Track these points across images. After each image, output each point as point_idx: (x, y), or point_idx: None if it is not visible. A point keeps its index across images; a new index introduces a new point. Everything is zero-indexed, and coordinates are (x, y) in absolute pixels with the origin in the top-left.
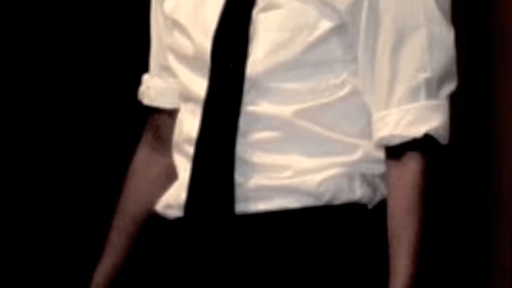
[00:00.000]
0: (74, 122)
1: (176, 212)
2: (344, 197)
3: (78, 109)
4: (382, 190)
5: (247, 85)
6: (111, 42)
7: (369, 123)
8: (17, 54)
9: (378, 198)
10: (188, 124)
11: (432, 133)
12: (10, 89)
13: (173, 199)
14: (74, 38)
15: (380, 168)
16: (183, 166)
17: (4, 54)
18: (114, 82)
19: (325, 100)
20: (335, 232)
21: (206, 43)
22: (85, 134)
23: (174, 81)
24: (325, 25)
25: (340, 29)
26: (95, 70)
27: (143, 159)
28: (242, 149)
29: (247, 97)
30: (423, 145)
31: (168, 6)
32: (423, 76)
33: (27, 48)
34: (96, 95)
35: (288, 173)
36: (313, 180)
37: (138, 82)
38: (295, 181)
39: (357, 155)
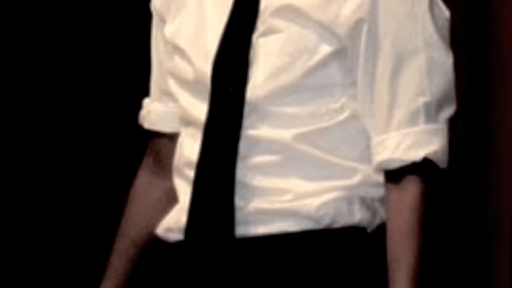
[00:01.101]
0: (74, 123)
1: (176, 236)
2: (343, 221)
3: (78, 113)
4: (382, 214)
5: (247, 109)
6: (113, 66)
7: (368, 147)
8: (17, 59)
9: (377, 221)
10: (189, 148)
11: (431, 157)
12: (10, 91)
13: (173, 223)
14: (78, 63)
15: (380, 192)
16: (184, 190)
17: (4, 54)
18: (115, 103)
19: (324, 124)
20: (335, 256)
21: (206, 68)
22: (85, 137)
23: (174, 105)
24: (325, 49)
25: (339, 54)
26: (96, 93)
27: (144, 182)
28: (242, 172)
29: (247, 121)
30: (422, 169)
31: (168, 31)
32: (422, 100)
33: (30, 56)
34: (98, 117)
35: (288, 196)
36: (312, 203)
37: (138, 104)
38: (295, 204)
39: (357, 179)
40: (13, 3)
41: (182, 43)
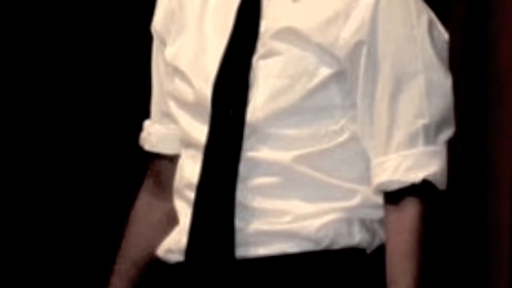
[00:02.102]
0: (74, 126)
1: (177, 257)
2: (343, 242)
3: (79, 115)
4: (381, 235)
5: (247, 131)
6: (113, 89)
7: (368, 168)
8: (17, 65)
9: (376, 243)
10: (189, 170)
11: (430, 178)
12: (10, 93)
13: (174, 244)
14: (80, 78)
15: (379, 213)
16: (184, 211)
17: (4, 55)
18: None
19: (324, 146)
20: (334, 277)
21: (206, 90)
22: (85, 139)
23: (175, 127)
24: (325, 71)
25: (339, 76)
26: (96, 117)
27: (145, 204)
28: (242, 194)
29: (247, 143)
30: (421, 190)
31: (169, 53)
32: (421, 122)
33: (33, 61)
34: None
35: (287, 218)
36: (312, 225)
37: (138, 114)
38: (295, 226)
39: (356, 200)
40: (13, 3)
41: (183, 65)
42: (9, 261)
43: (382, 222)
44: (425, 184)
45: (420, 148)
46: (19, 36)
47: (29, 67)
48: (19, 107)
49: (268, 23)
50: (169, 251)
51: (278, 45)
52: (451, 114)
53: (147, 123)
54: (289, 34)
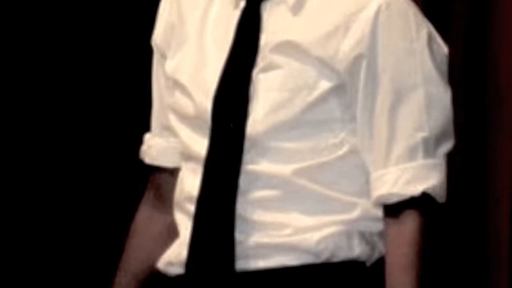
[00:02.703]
0: (75, 130)
1: (177, 269)
2: (342, 255)
3: (79, 118)
4: (380, 248)
5: (247, 144)
6: (113, 102)
7: (367, 181)
8: (19, 76)
9: (376, 255)
10: (189, 183)
11: (429, 191)
12: (10, 96)
13: (174, 257)
14: (80, 89)
15: (378, 226)
16: (184, 224)
17: (5, 56)
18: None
19: (324, 159)
20: None
21: (206, 103)
22: (86, 152)
23: (175, 140)
24: (324, 85)
25: (339, 89)
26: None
27: (145, 217)
28: (242, 207)
29: (247, 156)
30: (420, 203)
31: (169, 67)
32: (420, 135)
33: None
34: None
35: (287, 231)
36: (312, 238)
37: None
38: (295, 239)
39: (356, 213)
40: (13, 5)
41: (183, 78)
42: (9, 261)
43: (382, 235)
44: (425, 197)
45: (420, 161)
46: (22, 45)
47: (32, 72)
48: (21, 113)
49: (268, 37)
50: (170, 263)
51: (278, 58)
52: (451, 127)
53: (147, 136)
54: (289, 47)
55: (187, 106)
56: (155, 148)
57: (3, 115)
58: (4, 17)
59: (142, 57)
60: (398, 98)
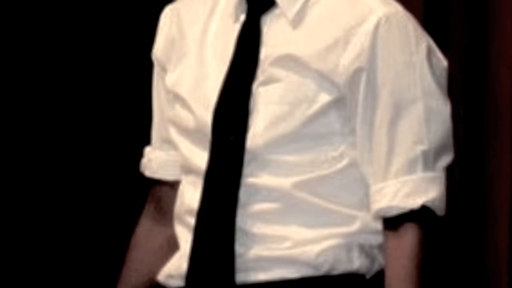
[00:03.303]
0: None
1: (177, 282)
2: (342, 268)
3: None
4: (380, 260)
5: (247, 158)
6: (113, 115)
7: (367, 194)
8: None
9: (376, 268)
10: (189, 196)
11: (429, 204)
12: (10, 98)
13: (174, 269)
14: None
15: (378, 239)
16: (184, 237)
17: (5, 57)
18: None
19: (324, 172)
20: None
21: (207, 117)
22: (86, 169)
23: (175, 153)
24: (324, 98)
25: (338, 102)
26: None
27: (145, 230)
28: (242, 220)
29: (247, 169)
30: (420, 216)
31: (169, 80)
32: (420, 148)
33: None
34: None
35: (287, 244)
36: (312, 250)
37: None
38: (294, 251)
39: (355, 226)
40: (14, 10)
41: (183, 92)
42: (9, 262)
43: (381, 247)
44: (424, 210)
45: (419, 174)
46: (26, 55)
47: (34, 80)
48: (23, 121)
49: (268, 50)
50: (170, 276)
51: (277, 72)
52: (450, 141)
53: (147, 150)
54: (289, 61)
55: (188, 119)
56: (155, 161)
57: (4, 123)
58: (7, 24)
59: (142, 70)
60: (397, 112)
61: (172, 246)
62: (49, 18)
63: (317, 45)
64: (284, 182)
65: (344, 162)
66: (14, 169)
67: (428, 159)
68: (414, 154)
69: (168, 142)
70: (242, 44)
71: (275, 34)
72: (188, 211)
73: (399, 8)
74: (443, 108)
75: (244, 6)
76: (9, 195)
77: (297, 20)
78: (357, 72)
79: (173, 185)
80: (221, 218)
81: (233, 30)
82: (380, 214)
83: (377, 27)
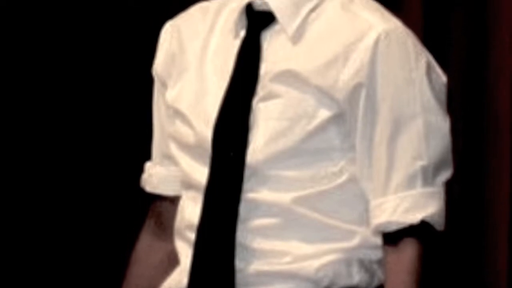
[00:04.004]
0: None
1: None
2: (342, 282)
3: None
4: (380, 275)
5: (247, 173)
6: (114, 130)
7: (366, 209)
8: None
9: (375, 283)
10: (190, 211)
11: (428, 219)
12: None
13: (175, 284)
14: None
15: (378, 254)
16: (185, 252)
17: (6, 58)
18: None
19: (323, 188)
20: None
21: (207, 132)
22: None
23: (175, 168)
24: (324, 114)
25: (338, 118)
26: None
27: (146, 245)
28: (242, 235)
29: (247, 184)
30: (419, 231)
31: (170, 96)
32: (419, 164)
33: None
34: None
35: (287, 258)
36: (311, 265)
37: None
38: (294, 266)
39: (355, 241)
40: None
41: (183, 107)
42: (9, 261)
43: (381, 262)
44: (423, 225)
45: (418, 190)
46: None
47: (37, 93)
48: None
49: (268, 66)
50: None
51: (277, 87)
52: (449, 156)
53: (148, 165)
54: (289, 76)
55: (188, 135)
56: (155, 177)
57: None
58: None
59: (143, 86)
60: (397, 127)
61: (173, 261)
62: (49, 29)
63: (317, 61)
64: (284, 197)
65: (344, 177)
66: (16, 190)
67: (428, 175)
68: (414, 169)
69: (169, 158)
70: (242, 60)
71: (275, 50)
72: (189, 226)
73: (398, 24)
74: (442, 124)
75: (244, 22)
76: (9, 213)
77: (297, 36)
78: (357, 87)
79: (174, 201)
80: (221, 233)
81: (233, 46)
82: (380, 229)
83: (376, 43)
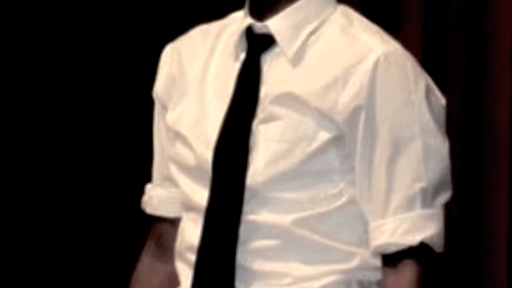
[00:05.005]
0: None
1: None
2: None
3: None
4: None
5: (247, 195)
6: (115, 153)
7: (366, 231)
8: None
9: None
10: (190, 232)
11: (427, 241)
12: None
13: None
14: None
15: (377, 275)
16: (185, 274)
17: (7, 60)
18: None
19: (323, 209)
20: None
21: (207, 154)
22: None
23: (176, 190)
24: (324, 136)
25: (337, 140)
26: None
27: (146, 266)
28: (242, 257)
29: (247, 206)
30: (418, 253)
31: (170, 118)
32: (418, 186)
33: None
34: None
35: (287, 280)
36: (311, 287)
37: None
38: None
39: (355, 262)
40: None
41: (184, 130)
42: (9, 261)
43: (380, 284)
44: (423, 246)
45: (418, 211)
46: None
47: (39, 109)
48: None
49: (268, 89)
50: None
51: (277, 110)
52: (448, 178)
53: (148, 187)
54: (289, 99)
55: (188, 157)
56: (156, 198)
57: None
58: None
59: (144, 108)
60: (396, 149)
61: (173, 282)
62: (48, 38)
63: (316, 84)
64: (284, 219)
65: (343, 199)
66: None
67: (427, 197)
68: (413, 191)
69: (169, 180)
70: (242, 82)
71: (275, 72)
72: (189, 248)
73: (398, 47)
74: (441, 146)
75: (244, 44)
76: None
77: (297, 59)
78: (356, 110)
79: (174, 222)
80: (221, 255)
81: (233, 68)
82: (379, 250)
83: (376, 65)
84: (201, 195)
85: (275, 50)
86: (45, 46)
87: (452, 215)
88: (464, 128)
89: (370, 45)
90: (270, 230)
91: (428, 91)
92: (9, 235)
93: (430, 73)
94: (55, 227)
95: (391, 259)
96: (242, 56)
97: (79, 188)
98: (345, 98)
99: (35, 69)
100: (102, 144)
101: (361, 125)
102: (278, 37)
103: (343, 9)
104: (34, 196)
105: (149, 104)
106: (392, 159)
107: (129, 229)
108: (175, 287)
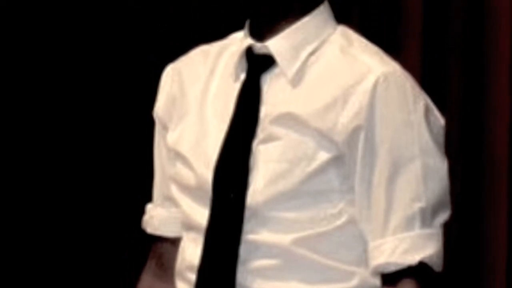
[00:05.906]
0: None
1: None
2: None
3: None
4: None
5: (247, 214)
6: (116, 173)
7: (365, 251)
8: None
9: None
10: (190, 252)
11: (426, 260)
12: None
13: None
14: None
15: None
16: None
17: (8, 62)
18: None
19: (322, 229)
20: None
21: (207, 174)
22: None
23: (176, 210)
24: (323, 156)
25: (337, 160)
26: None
27: (147, 286)
28: (242, 276)
29: (247, 226)
30: (417, 272)
31: (171, 138)
32: (417, 205)
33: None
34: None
35: None
36: None
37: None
38: None
39: (354, 282)
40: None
41: (184, 150)
42: (9, 261)
43: None
44: (422, 266)
45: (417, 231)
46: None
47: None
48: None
49: (267, 109)
50: None
51: (277, 130)
52: (447, 198)
53: (149, 207)
54: (289, 119)
55: (189, 177)
56: (156, 218)
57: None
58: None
59: (144, 128)
60: (395, 169)
61: None
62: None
63: (316, 104)
64: (284, 238)
65: (343, 219)
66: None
67: (426, 216)
68: (412, 211)
69: (169, 199)
70: (242, 102)
71: (275, 93)
72: (189, 267)
73: (397, 67)
74: (440, 166)
75: (244, 65)
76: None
77: (297, 79)
78: (356, 130)
79: (174, 242)
80: (221, 275)
81: (234, 89)
82: (379, 270)
83: (375, 85)
84: (201, 214)
85: (275, 71)
86: (45, 46)
87: (451, 234)
88: (463, 148)
89: (370, 66)
90: (270, 250)
91: (427, 111)
92: (8, 239)
93: (429, 94)
94: (55, 247)
95: (391, 279)
96: (242, 76)
97: (80, 207)
98: (345, 119)
99: (35, 70)
100: (103, 164)
101: (360, 145)
102: (278, 57)
103: (342, 29)
104: (35, 211)
105: (150, 123)
106: (392, 179)
107: (129, 249)
108: None
